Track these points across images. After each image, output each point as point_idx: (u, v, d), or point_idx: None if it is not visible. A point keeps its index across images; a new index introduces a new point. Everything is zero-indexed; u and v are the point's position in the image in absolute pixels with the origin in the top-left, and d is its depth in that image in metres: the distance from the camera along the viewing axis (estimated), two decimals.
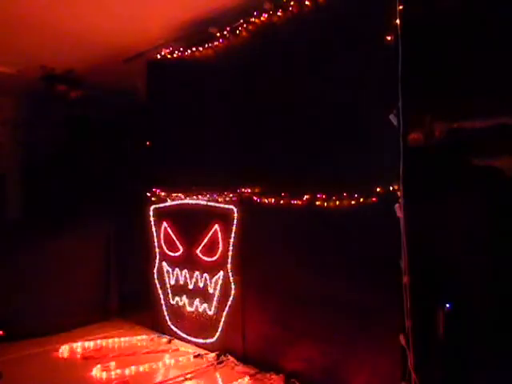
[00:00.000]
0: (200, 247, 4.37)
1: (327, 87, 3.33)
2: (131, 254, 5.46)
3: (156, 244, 4.89)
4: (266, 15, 3.73)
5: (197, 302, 4.41)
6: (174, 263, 4.68)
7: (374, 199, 3.00)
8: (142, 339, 4.58)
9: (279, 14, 3.62)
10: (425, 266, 2.88)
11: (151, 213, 4.91)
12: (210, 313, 4.26)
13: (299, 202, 3.45)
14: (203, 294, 4.35)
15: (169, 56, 4.73)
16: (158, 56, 4.84)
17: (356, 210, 3.10)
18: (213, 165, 4.29)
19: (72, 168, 6.88)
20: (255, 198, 3.82)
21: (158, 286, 4.87)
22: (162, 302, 4.79)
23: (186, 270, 4.53)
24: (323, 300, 3.34)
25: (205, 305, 4.32)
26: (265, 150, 3.79)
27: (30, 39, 4.82)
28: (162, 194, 4.80)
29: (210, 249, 4.28)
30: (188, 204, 4.51)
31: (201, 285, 4.37)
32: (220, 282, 4.18)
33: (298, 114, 3.53)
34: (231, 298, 4.07)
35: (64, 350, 4.32)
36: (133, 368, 3.79)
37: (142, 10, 4.13)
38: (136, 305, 5.37)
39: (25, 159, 7.10)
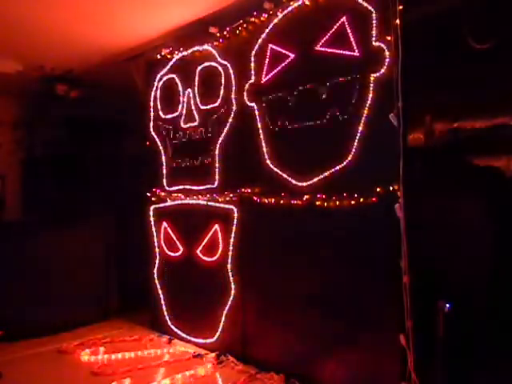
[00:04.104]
0: (200, 247, 4.38)
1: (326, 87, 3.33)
2: (131, 253, 5.46)
3: (156, 244, 4.90)
4: (266, 15, 3.74)
5: (197, 300, 4.42)
6: (175, 263, 4.69)
7: (373, 199, 3.00)
8: (141, 339, 4.58)
9: (279, 13, 3.63)
10: (425, 266, 2.88)
11: (151, 213, 4.91)
12: (210, 312, 4.26)
13: (299, 202, 3.45)
14: (204, 294, 4.36)
15: (169, 56, 4.73)
16: (158, 56, 4.84)
17: (356, 210, 3.10)
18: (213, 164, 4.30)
19: (72, 168, 6.88)
20: (255, 198, 3.82)
21: (158, 285, 4.88)
22: (162, 301, 4.80)
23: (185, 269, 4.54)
24: (323, 300, 3.34)
25: (205, 303, 4.33)
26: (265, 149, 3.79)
27: (30, 39, 4.82)
28: (162, 194, 4.81)
29: (210, 249, 4.28)
30: (188, 204, 4.51)
31: (201, 283, 4.37)
32: (220, 281, 4.18)
33: (298, 112, 3.53)
34: (231, 298, 4.08)
35: (64, 350, 4.31)
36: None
37: (142, 10, 4.13)
38: (136, 305, 5.37)
39: (25, 159, 7.11)
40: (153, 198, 4.90)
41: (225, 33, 4.12)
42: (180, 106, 4.57)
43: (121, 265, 5.56)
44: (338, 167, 3.23)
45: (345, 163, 3.19)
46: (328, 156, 3.29)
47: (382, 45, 2.96)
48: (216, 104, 4.19)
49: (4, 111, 6.86)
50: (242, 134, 3.99)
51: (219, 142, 4.20)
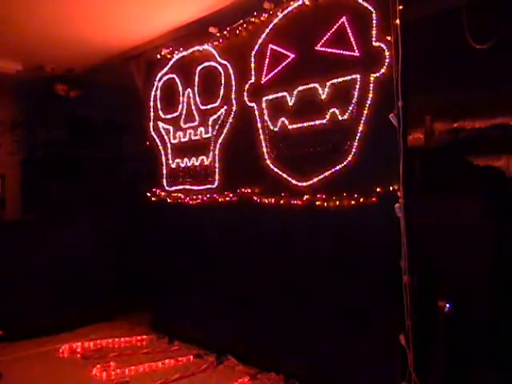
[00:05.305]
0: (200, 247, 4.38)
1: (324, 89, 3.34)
2: (131, 253, 5.46)
3: (156, 243, 4.90)
4: (266, 15, 3.74)
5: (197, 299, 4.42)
6: (174, 263, 4.70)
7: (373, 199, 3.00)
8: (141, 339, 4.58)
9: (279, 13, 3.63)
10: (425, 266, 2.88)
11: (151, 211, 4.92)
12: (210, 312, 4.27)
13: (299, 202, 3.45)
14: (204, 293, 4.36)
15: (169, 56, 4.73)
16: (158, 56, 4.84)
17: (356, 210, 3.10)
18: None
19: (72, 168, 6.88)
20: (255, 198, 3.82)
21: (158, 285, 4.88)
22: (163, 301, 4.80)
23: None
24: (323, 300, 3.35)
25: (205, 303, 4.33)
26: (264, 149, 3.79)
27: (30, 39, 4.82)
28: (162, 193, 4.81)
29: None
30: (189, 204, 4.50)
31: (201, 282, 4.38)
32: (219, 280, 4.18)
33: (298, 112, 3.53)
34: (232, 298, 4.07)
35: (64, 350, 4.31)
36: (133, 368, 3.79)
37: (142, 10, 4.13)
38: (136, 305, 5.37)
39: (25, 159, 7.11)
40: (153, 198, 4.90)
41: (225, 33, 4.12)
42: (180, 106, 4.57)
43: (121, 265, 5.55)
44: (338, 167, 3.23)
45: (345, 163, 3.20)
46: (328, 156, 3.29)
47: (382, 45, 2.96)
48: (216, 104, 4.19)
49: (4, 111, 6.86)
50: (241, 134, 3.99)
51: (219, 142, 4.20)
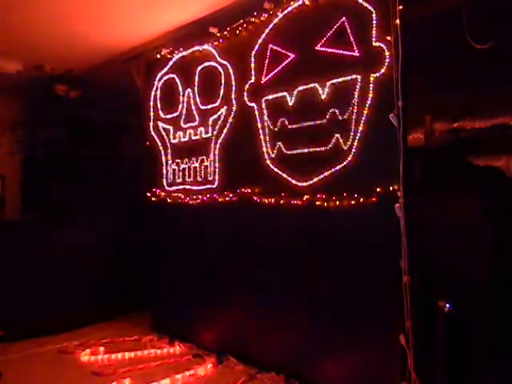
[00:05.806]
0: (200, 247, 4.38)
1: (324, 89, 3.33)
2: (131, 253, 5.46)
3: (156, 243, 4.90)
4: (266, 15, 3.74)
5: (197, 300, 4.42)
6: (174, 264, 4.70)
7: (373, 199, 3.00)
8: (141, 339, 4.58)
9: (279, 13, 3.63)
10: (425, 266, 2.88)
11: (151, 211, 4.93)
12: (210, 312, 4.27)
13: (299, 202, 3.45)
14: (203, 293, 4.36)
15: (169, 56, 4.73)
16: (158, 56, 4.84)
17: (356, 210, 3.10)
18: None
19: (72, 168, 6.89)
20: (255, 198, 3.82)
21: (158, 285, 4.88)
22: (163, 301, 4.80)
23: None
24: (323, 300, 3.34)
25: (205, 304, 4.33)
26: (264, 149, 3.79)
27: (30, 39, 4.82)
28: (162, 194, 4.81)
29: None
30: (189, 204, 4.50)
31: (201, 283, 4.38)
32: (218, 280, 4.18)
33: (298, 112, 3.53)
34: (231, 298, 4.07)
35: (64, 350, 4.31)
36: (132, 367, 3.81)
37: (142, 10, 4.14)
38: (136, 305, 5.37)
39: (25, 159, 7.11)
40: (153, 198, 4.91)
41: (225, 33, 4.12)
42: (180, 106, 4.57)
43: (121, 265, 5.56)
44: (338, 167, 3.23)
45: (345, 163, 3.20)
46: (328, 156, 3.29)
47: (382, 45, 2.96)
48: (216, 104, 4.19)
49: (4, 111, 6.86)
50: (241, 134, 3.99)
51: (219, 142, 4.20)
